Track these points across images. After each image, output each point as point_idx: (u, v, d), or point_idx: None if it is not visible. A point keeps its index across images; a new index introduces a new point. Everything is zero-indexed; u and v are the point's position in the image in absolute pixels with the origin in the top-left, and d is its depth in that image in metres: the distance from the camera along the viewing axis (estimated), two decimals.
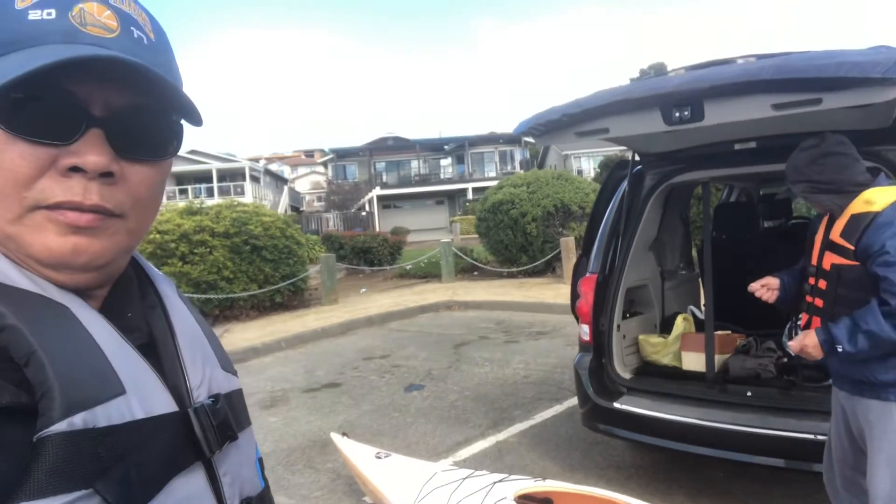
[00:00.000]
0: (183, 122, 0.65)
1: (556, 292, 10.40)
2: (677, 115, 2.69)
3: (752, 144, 3.35)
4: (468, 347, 7.54)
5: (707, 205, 3.81)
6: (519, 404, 5.17)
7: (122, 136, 0.58)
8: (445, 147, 46.49)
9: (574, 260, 4.06)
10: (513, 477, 3.02)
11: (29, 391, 0.50)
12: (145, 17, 0.62)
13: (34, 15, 0.56)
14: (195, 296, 9.75)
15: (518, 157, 44.85)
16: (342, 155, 47.27)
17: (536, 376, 5.99)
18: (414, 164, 46.19)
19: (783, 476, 3.35)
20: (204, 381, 0.66)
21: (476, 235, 15.48)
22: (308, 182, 60.73)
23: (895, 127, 2.83)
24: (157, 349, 0.65)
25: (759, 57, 2.66)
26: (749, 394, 3.22)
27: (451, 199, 43.98)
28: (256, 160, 53.63)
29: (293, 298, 11.45)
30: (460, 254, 15.16)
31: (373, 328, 9.43)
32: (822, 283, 2.33)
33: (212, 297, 9.94)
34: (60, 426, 0.50)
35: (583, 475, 3.72)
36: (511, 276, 13.56)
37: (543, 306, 9.67)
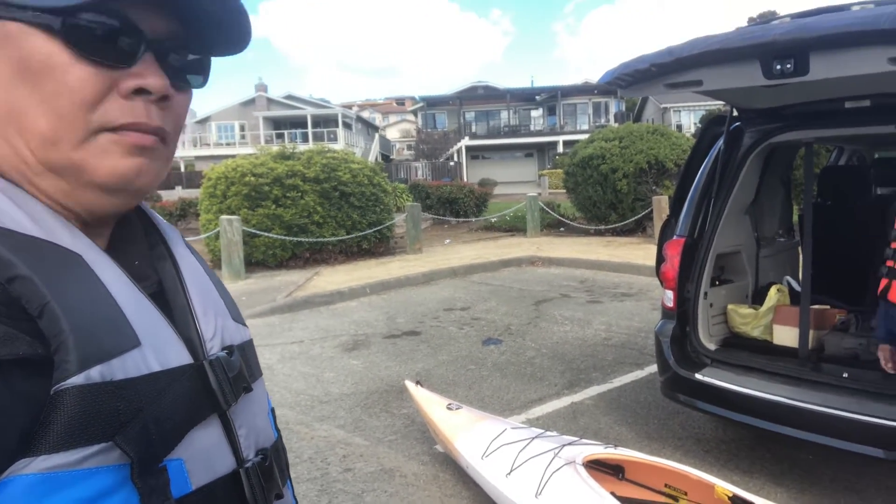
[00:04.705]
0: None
1: (645, 253, 10.09)
2: (779, 67, 2.46)
3: (866, 103, 3.03)
4: (549, 305, 7.47)
5: (810, 167, 3.51)
6: (597, 366, 5.09)
7: (170, 61, 0.60)
8: (537, 97, 45.44)
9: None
10: (584, 441, 2.98)
11: (44, 343, 0.50)
12: None
13: None
14: (287, 238, 10.11)
15: (613, 109, 43.29)
16: (432, 103, 47.16)
17: (618, 339, 5.87)
18: (504, 114, 45.46)
19: (880, 466, 3.14)
20: (217, 332, 0.66)
21: (564, 190, 15.17)
22: (398, 130, 61.18)
23: None
24: (168, 299, 0.65)
25: (879, 3, 2.37)
26: (845, 375, 3.00)
27: (541, 151, 43.21)
28: (349, 107, 54.48)
29: (379, 245, 11.67)
30: (547, 209, 14.93)
31: (455, 279, 9.50)
32: None
33: (302, 240, 10.27)
34: (77, 379, 0.49)
35: (659, 445, 3.63)
36: (598, 233, 13.27)
37: (630, 267, 9.42)
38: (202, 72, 0.66)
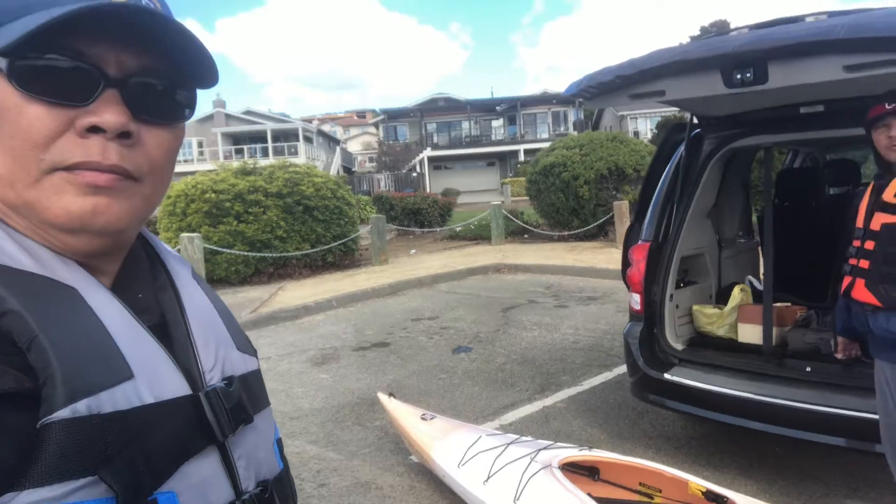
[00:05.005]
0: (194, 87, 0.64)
1: (608, 257, 10.25)
2: (739, 77, 2.56)
3: (820, 108, 3.16)
4: (517, 311, 7.52)
5: (768, 171, 3.63)
6: (567, 370, 5.14)
7: (137, 97, 0.58)
8: (497, 108, 45.84)
9: (627, 224, 3.97)
10: (558, 444, 3.01)
11: (32, 377, 0.50)
12: None
13: None
14: (250, 254, 9.99)
15: (572, 117, 43.92)
16: (393, 116, 47.20)
17: (585, 342, 5.94)
18: (465, 124, 45.75)
19: (843, 455, 3.24)
20: (217, 363, 0.65)
21: (527, 198, 15.32)
22: (360, 143, 60.98)
23: None
24: (169, 331, 0.64)
25: (832, 14, 2.48)
26: (808, 369, 3.10)
27: (503, 160, 43.53)
28: (309, 121, 54.10)
29: (344, 258, 11.61)
30: (511, 216, 15.05)
31: (422, 289, 9.49)
32: (870, 244, 2.37)
33: (266, 255, 10.15)
34: (63, 413, 0.49)
35: (631, 444, 3.68)
36: (562, 239, 13.42)
37: (594, 271, 9.55)
38: (188, 104, 0.64)
